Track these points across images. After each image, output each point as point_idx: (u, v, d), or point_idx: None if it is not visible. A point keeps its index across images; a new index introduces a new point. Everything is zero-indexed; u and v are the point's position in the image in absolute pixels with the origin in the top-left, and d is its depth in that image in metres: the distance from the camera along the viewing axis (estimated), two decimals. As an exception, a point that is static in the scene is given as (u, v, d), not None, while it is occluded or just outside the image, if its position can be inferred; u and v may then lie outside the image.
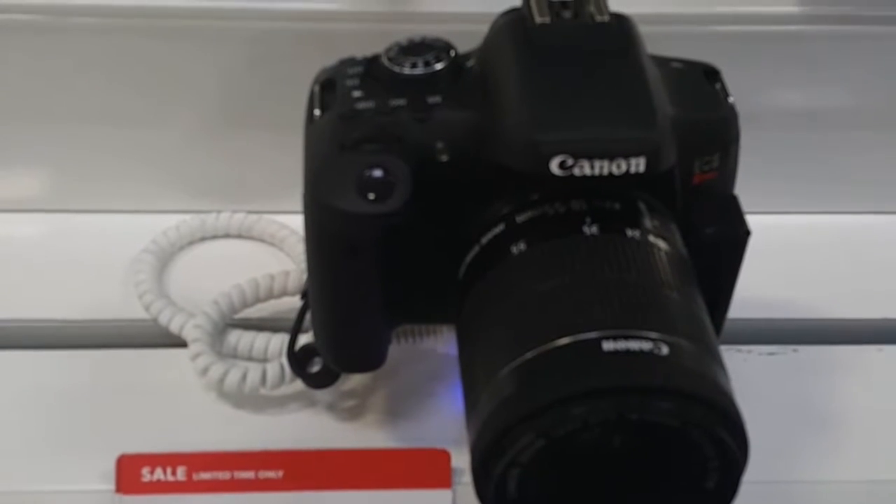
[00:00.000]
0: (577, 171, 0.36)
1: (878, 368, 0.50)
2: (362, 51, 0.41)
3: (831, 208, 0.56)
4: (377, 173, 0.37)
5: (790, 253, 0.53)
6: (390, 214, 0.37)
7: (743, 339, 0.49)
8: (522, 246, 0.37)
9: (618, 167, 0.36)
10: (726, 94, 0.41)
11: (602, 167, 0.36)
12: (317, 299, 0.41)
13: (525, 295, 0.36)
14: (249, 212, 0.54)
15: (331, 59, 0.42)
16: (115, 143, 0.53)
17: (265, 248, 0.54)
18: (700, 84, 0.41)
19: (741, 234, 0.40)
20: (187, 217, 0.54)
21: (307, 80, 0.42)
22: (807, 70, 0.52)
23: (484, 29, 0.41)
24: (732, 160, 0.41)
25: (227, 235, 0.54)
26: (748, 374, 0.48)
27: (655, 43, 0.41)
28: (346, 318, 0.41)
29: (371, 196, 0.37)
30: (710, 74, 0.41)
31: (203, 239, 0.54)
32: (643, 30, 0.40)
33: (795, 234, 0.55)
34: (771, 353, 0.50)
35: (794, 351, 0.50)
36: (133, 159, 0.54)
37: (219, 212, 0.54)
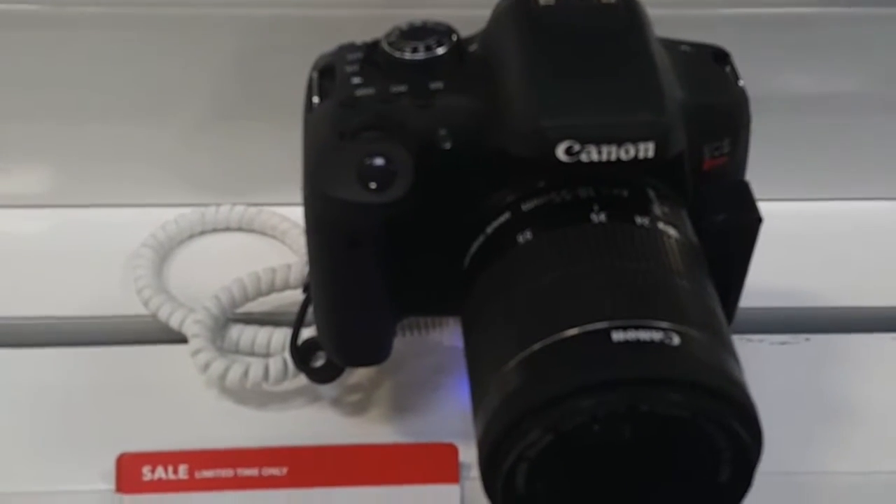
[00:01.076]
0: (584, 157, 0.35)
1: (892, 357, 0.49)
2: (361, 36, 0.40)
3: (844, 195, 0.55)
4: (378, 162, 0.36)
5: (802, 240, 0.53)
6: (392, 204, 0.36)
7: (754, 328, 0.48)
8: (529, 235, 0.37)
9: (626, 152, 0.36)
10: (736, 78, 0.40)
11: (610, 153, 0.35)
12: (319, 293, 0.40)
13: (532, 285, 0.35)
14: (250, 204, 0.53)
15: (329, 45, 0.41)
16: (111, 136, 0.52)
17: (266, 240, 0.53)
18: (709, 67, 0.40)
19: (753, 221, 0.39)
20: (186, 210, 0.53)
21: (305, 68, 0.41)
22: (818, 53, 0.51)
23: (486, 13, 0.40)
24: (743, 145, 0.40)
25: (227, 229, 0.53)
26: (759, 363, 0.47)
27: (663, 25, 0.40)
28: (348, 312, 0.40)
29: (372, 185, 0.36)
30: (720, 57, 0.40)
31: (203, 232, 0.53)
32: (651, 12, 0.39)
33: (807, 220, 0.54)
34: (783, 343, 0.49)
35: (807, 340, 0.49)
36: (131, 153, 0.53)
37: (218, 205, 0.53)
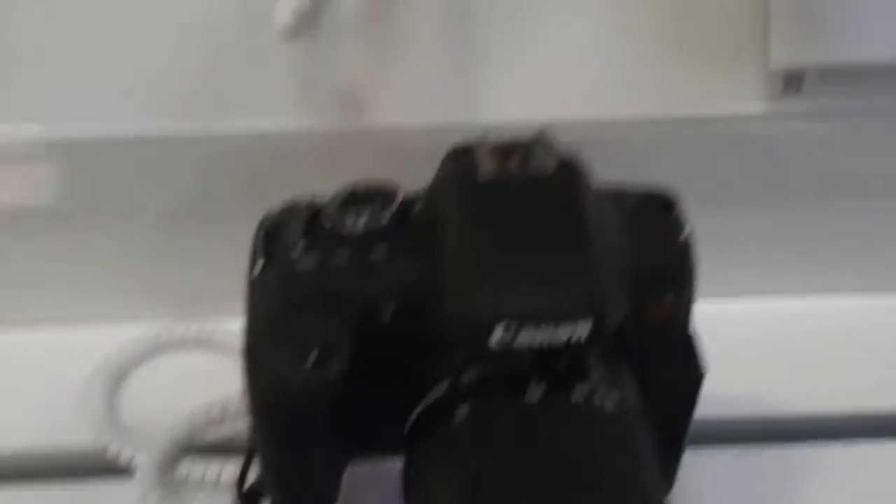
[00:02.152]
0: (521, 339, 0.35)
1: (847, 467, 0.48)
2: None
3: (790, 291, 0.55)
4: (317, 337, 0.36)
5: (751, 343, 0.52)
6: (331, 383, 0.36)
7: (706, 440, 0.47)
8: (465, 411, 0.37)
9: (564, 332, 0.35)
10: (681, 227, 0.40)
11: (547, 333, 0.35)
12: (261, 454, 0.40)
13: (461, 470, 0.35)
14: (208, 315, 0.52)
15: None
16: (61, 247, 0.51)
17: (225, 359, 0.52)
18: (654, 218, 0.40)
19: (695, 377, 0.39)
20: (139, 330, 0.52)
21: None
22: (773, 165, 0.51)
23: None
24: (688, 296, 0.40)
25: (183, 346, 0.53)
26: (711, 477, 0.47)
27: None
28: (291, 472, 0.40)
29: (310, 362, 0.36)
30: (666, 205, 0.40)
31: (156, 354, 0.52)
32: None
33: (755, 322, 0.53)
34: (735, 456, 0.48)
35: (759, 452, 0.49)
36: (83, 265, 0.52)
37: (173, 325, 0.52)
